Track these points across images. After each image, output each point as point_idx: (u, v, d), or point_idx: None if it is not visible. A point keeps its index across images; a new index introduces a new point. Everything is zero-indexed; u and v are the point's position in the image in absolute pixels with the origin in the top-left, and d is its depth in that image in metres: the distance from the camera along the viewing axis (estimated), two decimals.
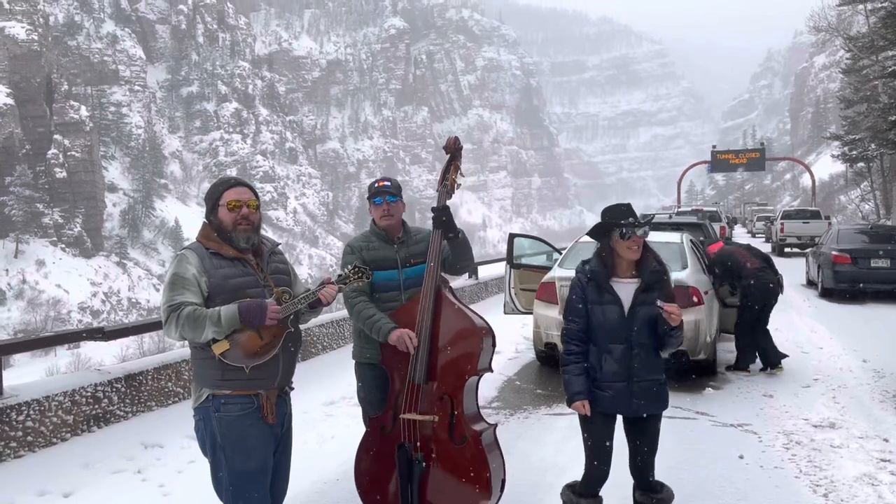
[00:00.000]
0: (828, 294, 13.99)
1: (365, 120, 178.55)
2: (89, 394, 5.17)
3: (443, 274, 3.49)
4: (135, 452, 4.90)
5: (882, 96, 29.65)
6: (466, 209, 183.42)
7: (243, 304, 2.70)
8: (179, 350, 6.64)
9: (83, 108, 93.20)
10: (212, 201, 2.89)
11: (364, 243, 3.59)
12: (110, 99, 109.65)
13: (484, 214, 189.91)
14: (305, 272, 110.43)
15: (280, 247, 3.12)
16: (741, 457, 4.86)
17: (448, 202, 3.51)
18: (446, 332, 3.30)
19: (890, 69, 26.76)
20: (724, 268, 7.89)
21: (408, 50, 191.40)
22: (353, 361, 3.74)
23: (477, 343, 3.29)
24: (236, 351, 2.71)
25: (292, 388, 3.02)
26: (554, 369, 7.75)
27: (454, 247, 3.48)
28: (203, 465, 3.91)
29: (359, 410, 5.91)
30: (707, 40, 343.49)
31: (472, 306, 12.53)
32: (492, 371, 3.47)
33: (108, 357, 39.11)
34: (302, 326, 3.00)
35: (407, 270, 3.54)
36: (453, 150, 3.57)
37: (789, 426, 5.58)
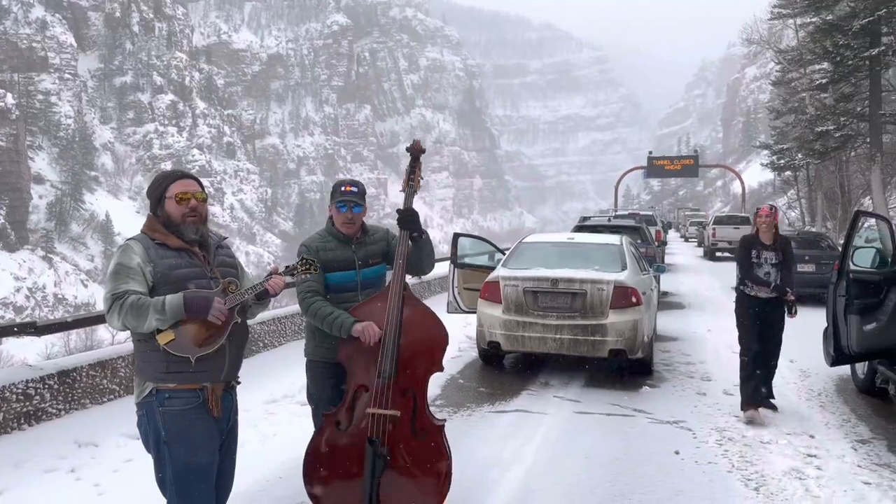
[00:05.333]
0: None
1: (306, 116, 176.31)
2: (20, 391, 4.97)
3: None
4: (68, 451, 4.73)
5: (809, 108, 30.98)
6: None
7: (189, 294, 2.66)
8: (115, 346, 6.44)
9: (9, 95, 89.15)
10: (157, 195, 2.83)
11: (321, 244, 3.54)
12: (38, 87, 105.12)
13: (426, 215, 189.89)
14: None
15: (227, 240, 3.08)
16: (677, 452, 5.02)
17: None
18: (413, 329, 3.35)
19: (817, 82, 27.96)
20: None
21: (350, 47, 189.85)
22: (305, 360, 3.70)
23: (438, 340, 3.40)
24: (181, 341, 2.67)
25: (238, 382, 2.98)
26: (497, 367, 7.85)
27: (418, 247, 3.49)
28: (141, 464, 3.82)
29: (302, 409, 5.89)
30: (645, 49, 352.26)
31: None
32: (442, 370, 3.51)
33: (31, 354, 37.50)
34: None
35: (365, 271, 3.52)
36: (419, 152, 3.59)
37: (722, 423, 5.79)
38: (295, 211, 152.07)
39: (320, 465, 3.35)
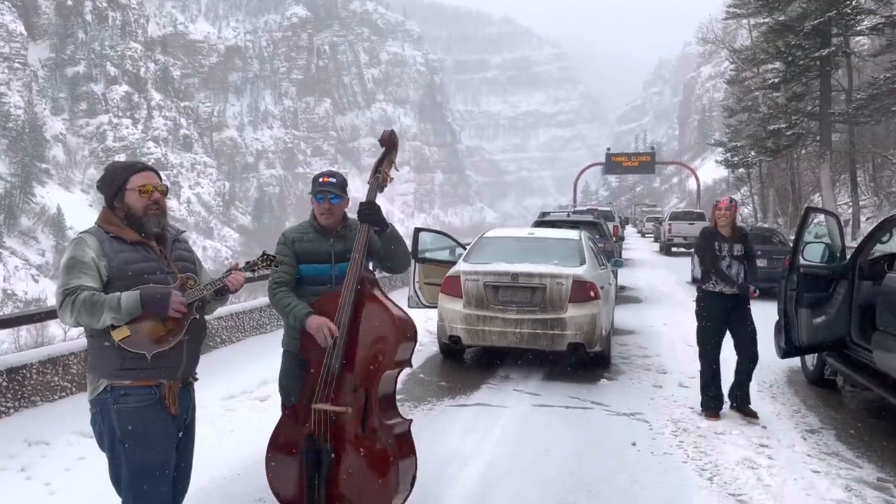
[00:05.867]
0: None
1: (265, 109, 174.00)
2: None
3: (371, 268, 3.49)
4: (18, 450, 4.60)
5: (762, 107, 31.73)
6: None
7: (145, 290, 2.60)
8: (67, 343, 6.28)
9: None
10: (115, 186, 2.76)
11: (299, 234, 3.52)
12: None
13: (387, 209, 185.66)
14: None
15: (184, 234, 3.02)
16: (634, 444, 5.11)
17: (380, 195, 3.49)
18: (366, 325, 3.28)
19: (769, 81, 28.64)
20: None
21: (310, 40, 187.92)
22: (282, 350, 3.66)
23: (395, 337, 3.27)
24: (137, 337, 2.61)
25: (196, 379, 2.93)
26: (457, 361, 7.87)
27: (386, 242, 3.45)
28: (93, 462, 3.73)
29: (261, 404, 5.83)
30: (604, 47, 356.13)
31: None
32: (411, 366, 3.48)
33: None
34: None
35: (341, 265, 3.46)
36: (389, 143, 3.52)
37: (677, 414, 5.90)
38: (254, 205, 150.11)
39: (278, 458, 3.33)
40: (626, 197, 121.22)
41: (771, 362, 7.60)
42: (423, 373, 7.33)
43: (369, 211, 3.36)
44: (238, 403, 5.93)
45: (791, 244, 6.55)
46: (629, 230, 52.21)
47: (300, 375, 3.41)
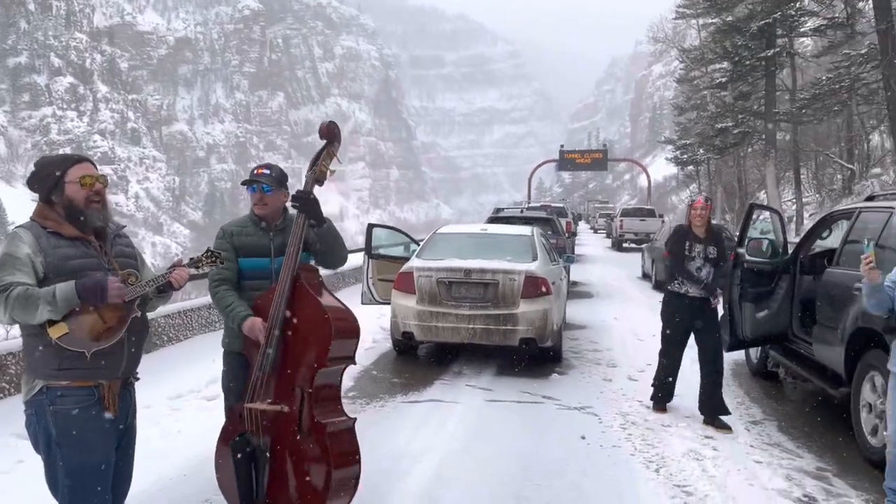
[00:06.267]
0: (661, 286, 15.10)
1: (216, 102, 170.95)
2: None
3: (312, 264, 3.45)
4: None
5: (710, 105, 32.40)
6: (323, 199, 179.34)
7: (81, 280, 2.52)
8: (5, 342, 6.07)
9: None
10: (53, 179, 2.66)
11: (238, 228, 3.46)
12: None
13: (341, 205, 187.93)
14: (149, 261, 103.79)
15: (125, 229, 2.94)
16: (583, 437, 5.17)
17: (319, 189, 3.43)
18: (301, 322, 3.21)
19: (717, 81, 29.27)
20: None
21: (263, 33, 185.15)
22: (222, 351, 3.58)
23: (332, 333, 3.18)
24: (76, 335, 2.52)
25: (137, 379, 2.85)
26: (411, 358, 7.86)
27: (323, 237, 3.40)
28: (33, 466, 3.60)
29: (209, 404, 5.72)
30: (557, 45, 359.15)
31: None
32: (354, 363, 3.45)
33: None
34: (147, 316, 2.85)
35: (281, 260, 3.42)
36: (328, 135, 3.44)
37: (626, 408, 6.00)
38: (204, 200, 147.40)
39: (226, 456, 3.28)
40: (579, 193, 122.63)
41: None
42: (377, 369, 7.30)
43: (306, 199, 3.28)
44: (185, 403, 5.81)
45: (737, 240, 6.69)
46: (582, 226, 52.90)
47: (242, 375, 3.36)
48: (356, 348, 3.44)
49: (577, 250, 25.96)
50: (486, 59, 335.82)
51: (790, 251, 6.58)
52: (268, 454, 3.16)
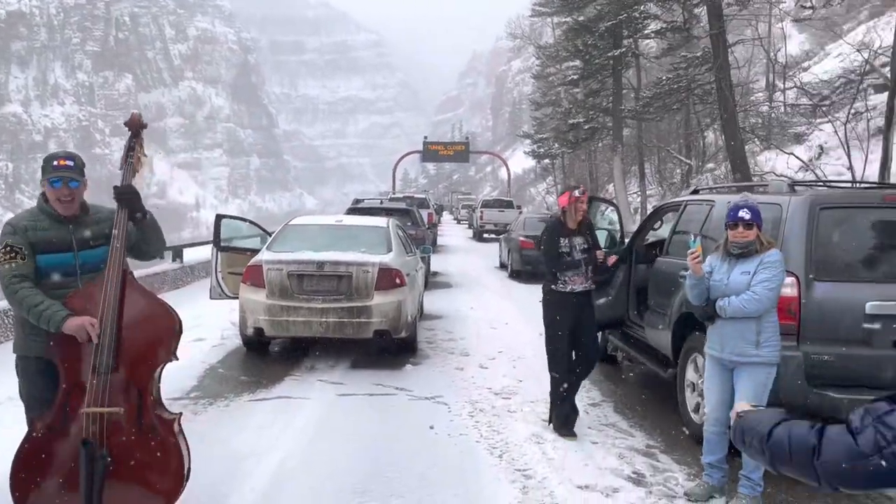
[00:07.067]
0: (516, 275, 15.63)
1: (55, 83, 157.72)
2: None
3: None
4: None
5: (564, 102, 33.84)
6: (177, 188, 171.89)
7: None
8: None
9: None
10: None
11: (31, 222, 3.13)
12: None
13: (197, 194, 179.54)
14: None
15: None
16: (432, 427, 5.22)
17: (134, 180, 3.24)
18: (135, 318, 3.07)
19: (570, 78, 30.57)
20: None
21: (108, 9, 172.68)
22: (14, 356, 3.26)
23: (170, 329, 3.14)
24: None
25: None
26: (261, 354, 7.62)
27: (142, 229, 3.22)
28: None
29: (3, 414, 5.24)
30: (421, 37, 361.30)
31: (176, 292, 11.72)
32: (177, 359, 3.28)
33: None
34: None
35: (84, 254, 3.16)
36: (138, 126, 3.31)
37: (475, 396, 6.13)
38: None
39: (31, 474, 3.00)
40: (443, 185, 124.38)
41: None
42: (224, 368, 7.03)
43: (129, 195, 3.12)
44: None
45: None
46: (446, 217, 53.72)
47: (48, 383, 3.09)
48: (178, 346, 3.29)
49: (440, 241, 26.34)
50: (350, 47, 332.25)
51: (627, 241, 6.98)
52: (108, 459, 2.97)
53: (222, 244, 8.47)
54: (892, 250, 4.73)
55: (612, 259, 5.44)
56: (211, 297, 8.27)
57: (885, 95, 12.79)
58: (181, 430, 3.25)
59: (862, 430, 1.39)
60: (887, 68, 13.32)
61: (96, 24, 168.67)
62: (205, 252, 12.98)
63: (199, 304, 9.15)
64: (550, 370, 5.25)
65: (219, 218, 8.84)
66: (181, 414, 3.33)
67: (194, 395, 5.94)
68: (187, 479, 3.20)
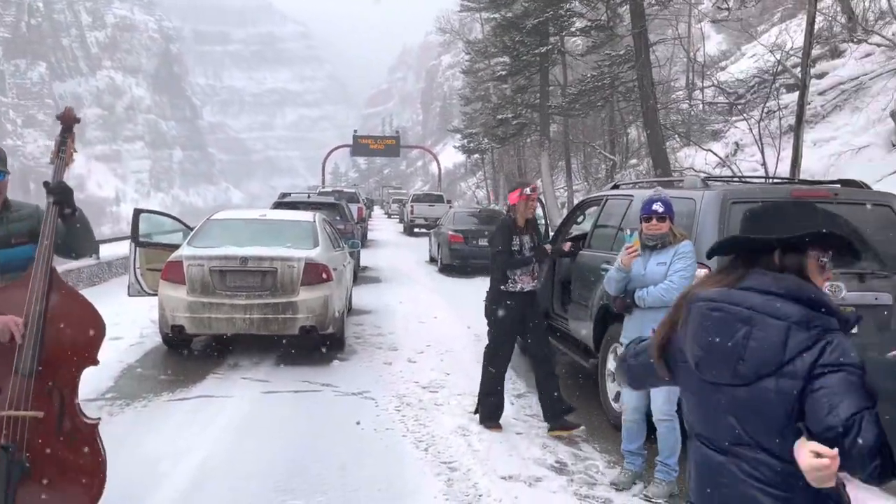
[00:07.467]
0: (446, 269, 15.69)
1: None
2: None
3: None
4: None
5: (493, 97, 34.12)
6: (96, 181, 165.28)
7: None
8: None
9: None
10: None
11: None
12: None
13: (117, 188, 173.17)
14: None
15: None
16: (358, 423, 5.19)
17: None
18: (61, 319, 2.94)
19: (498, 74, 30.82)
20: None
21: None
22: None
23: (95, 331, 3.03)
24: None
25: None
26: (182, 352, 7.42)
27: (71, 226, 3.08)
28: None
29: None
30: (348, 29, 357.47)
31: (92, 289, 11.25)
32: (97, 363, 3.17)
33: None
34: None
35: (6, 252, 3.01)
36: (72, 121, 3.18)
37: (403, 390, 6.12)
38: None
39: None
40: (374, 179, 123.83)
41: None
42: (143, 367, 6.80)
43: (62, 191, 2.99)
44: None
45: None
46: (377, 212, 53.44)
47: None
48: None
49: (371, 235, 26.22)
50: (276, 38, 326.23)
51: (552, 235, 7.09)
52: (27, 465, 2.83)
53: (141, 239, 8.21)
54: None
55: (567, 245, 5.64)
56: (129, 295, 8.02)
57: (796, 95, 13.40)
58: (99, 434, 3.14)
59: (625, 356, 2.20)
60: (798, 69, 13.96)
61: (7, 9, 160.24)
62: (123, 248, 12.52)
63: (116, 302, 8.81)
64: (488, 365, 5.18)
65: (137, 212, 8.55)
66: (100, 419, 3.20)
67: (110, 395, 5.73)
68: (102, 488, 3.08)
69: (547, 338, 5.42)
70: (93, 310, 3.07)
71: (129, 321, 8.51)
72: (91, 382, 5.51)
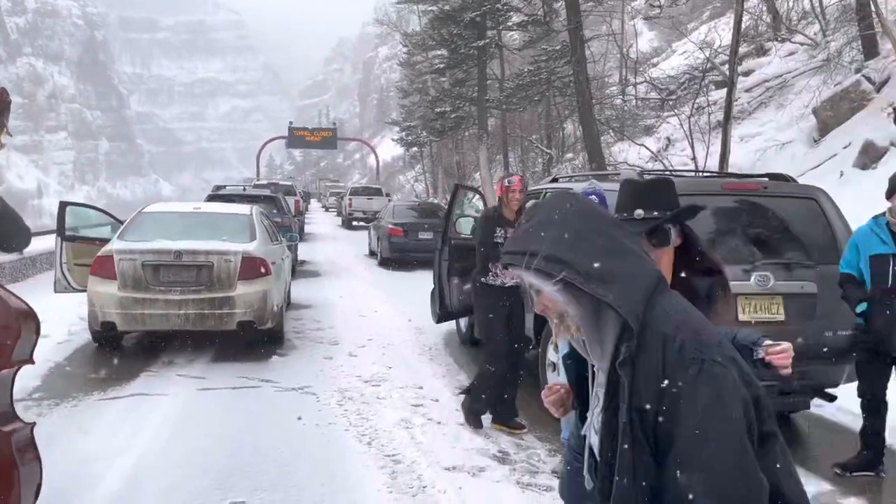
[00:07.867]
0: (385, 263, 15.64)
1: None
2: None
3: None
4: None
5: (431, 90, 34.08)
6: (16, 173, 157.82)
7: None
8: None
9: None
10: None
11: None
12: None
13: (39, 180, 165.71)
14: None
15: None
16: (299, 418, 5.13)
17: None
18: None
19: (436, 67, 30.83)
20: None
21: None
22: None
23: (14, 330, 2.81)
24: None
25: None
26: (114, 350, 7.17)
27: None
28: None
29: None
30: (284, 20, 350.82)
31: (16, 285, 10.82)
32: (33, 362, 3.01)
33: None
34: None
35: None
36: (3, 104, 2.97)
37: (344, 384, 6.07)
38: None
39: None
40: (311, 171, 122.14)
41: (432, 327, 8.24)
42: (71, 365, 6.55)
43: None
44: None
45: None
46: (314, 205, 52.78)
47: None
48: (35, 346, 3.02)
49: (308, 229, 25.89)
50: (208, 27, 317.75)
51: None
52: None
53: (67, 233, 7.89)
54: (731, 235, 5.13)
55: None
56: (56, 291, 7.70)
57: (725, 92, 13.85)
58: (34, 442, 2.98)
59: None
60: (726, 66, 14.43)
61: None
62: (48, 242, 12.01)
63: (42, 299, 8.40)
64: (487, 364, 5.03)
65: (63, 205, 8.21)
66: (34, 423, 3.04)
67: (38, 395, 5.49)
68: (37, 496, 2.94)
69: (521, 343, 5.21)
70: (12, 308, 2.86)
71: (56, 318, 8.15)
72: (17, 382, 5.26)
